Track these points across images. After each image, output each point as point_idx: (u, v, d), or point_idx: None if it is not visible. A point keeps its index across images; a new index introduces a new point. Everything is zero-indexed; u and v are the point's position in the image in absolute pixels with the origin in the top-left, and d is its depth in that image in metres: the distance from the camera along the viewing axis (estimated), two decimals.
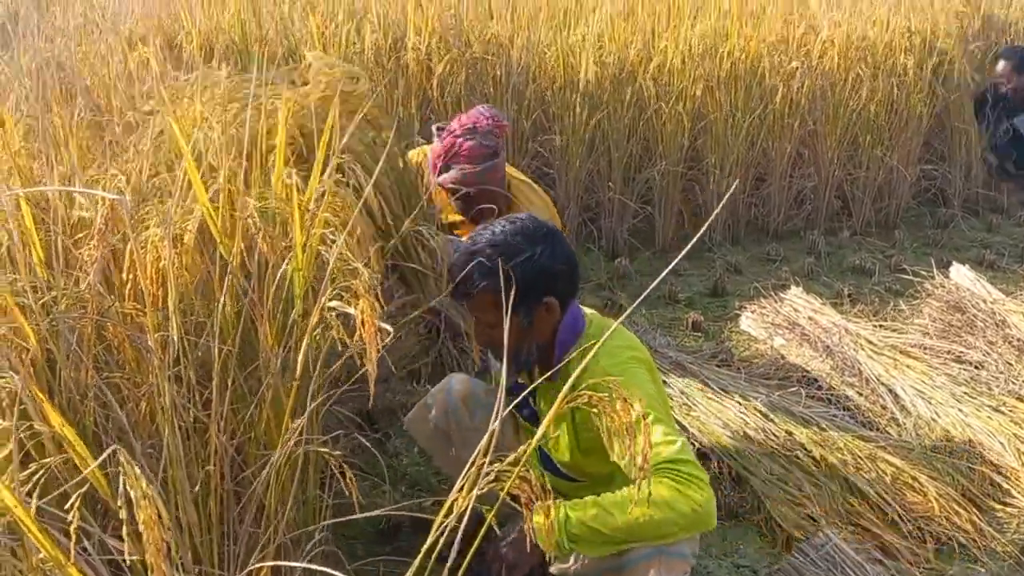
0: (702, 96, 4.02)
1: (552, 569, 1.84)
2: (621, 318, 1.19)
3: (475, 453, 1.01)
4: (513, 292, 1.63)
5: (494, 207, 2.61)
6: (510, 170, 2.88)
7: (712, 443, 2.48)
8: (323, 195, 1.43)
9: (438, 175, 2.67)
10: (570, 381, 1.05)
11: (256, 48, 3.58)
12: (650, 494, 1.43)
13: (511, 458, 1.01)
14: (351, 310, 1.26)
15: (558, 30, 4.10)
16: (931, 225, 4.65)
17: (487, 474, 1.00)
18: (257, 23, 3.64)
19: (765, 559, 2.14)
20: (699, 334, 3.35)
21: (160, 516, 0.89)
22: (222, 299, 1.43)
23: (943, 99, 4.62)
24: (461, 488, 1.00)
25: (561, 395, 1.03)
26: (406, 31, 3.76)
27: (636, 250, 4.11)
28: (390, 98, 3.75)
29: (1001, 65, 4.96)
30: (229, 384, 1.40)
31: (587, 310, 1.84)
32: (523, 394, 1.36)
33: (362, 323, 1.21)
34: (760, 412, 2.53)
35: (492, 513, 1.04)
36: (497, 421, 0.99)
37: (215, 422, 1.40)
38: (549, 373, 1.61)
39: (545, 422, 1.04)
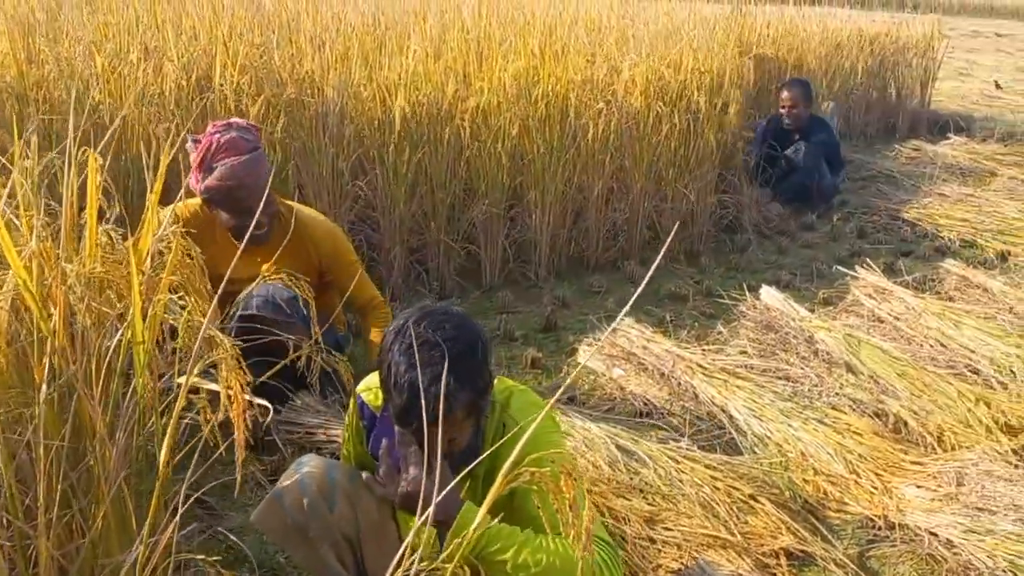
0: (519, 135, 4.07)
1: None
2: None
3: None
4: (483, 390, 1.56)
5: (266, 213, 2.59)
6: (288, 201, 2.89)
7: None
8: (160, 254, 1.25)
9: (201, 185, 2.56)
10: (514, 454, 0.99)
11: (34, 92, 3.21)
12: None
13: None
14: (215, 386, 1.10)
15: (372, 68, 4.01)
16: (731, 250, 4.98)
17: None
18: (38, 64, 3.27)
19: None
20: (539, 371, 3.35)
21: None
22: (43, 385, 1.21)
23: (731, 133, 4.99)
24: None
25: (503, 473, 0.95)
26: (211, 70, 3.52)
27: (464, 290, 4.08)
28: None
29: (785, 94, 5.46)
30: (57, 485, 1.19)
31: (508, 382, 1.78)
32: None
33: (229, 399, 1.06)
34: (616, 447, 2.54)
35: None
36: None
37: (43, 534, 1.17)
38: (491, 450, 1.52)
39: (487, 503, 0.95)
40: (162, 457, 1.11)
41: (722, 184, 5.25)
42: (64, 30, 3.84)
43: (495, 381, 1.69)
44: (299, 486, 1.73)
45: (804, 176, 5.39)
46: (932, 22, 8.85)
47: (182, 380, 1.06)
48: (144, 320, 1.20)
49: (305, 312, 1.95)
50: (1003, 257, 4.78)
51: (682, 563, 2.12)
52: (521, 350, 3.51)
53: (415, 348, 1.51)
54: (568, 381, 3.14)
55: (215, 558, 1.24)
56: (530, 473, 0.99)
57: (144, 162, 2.73)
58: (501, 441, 1.41)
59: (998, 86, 10.98)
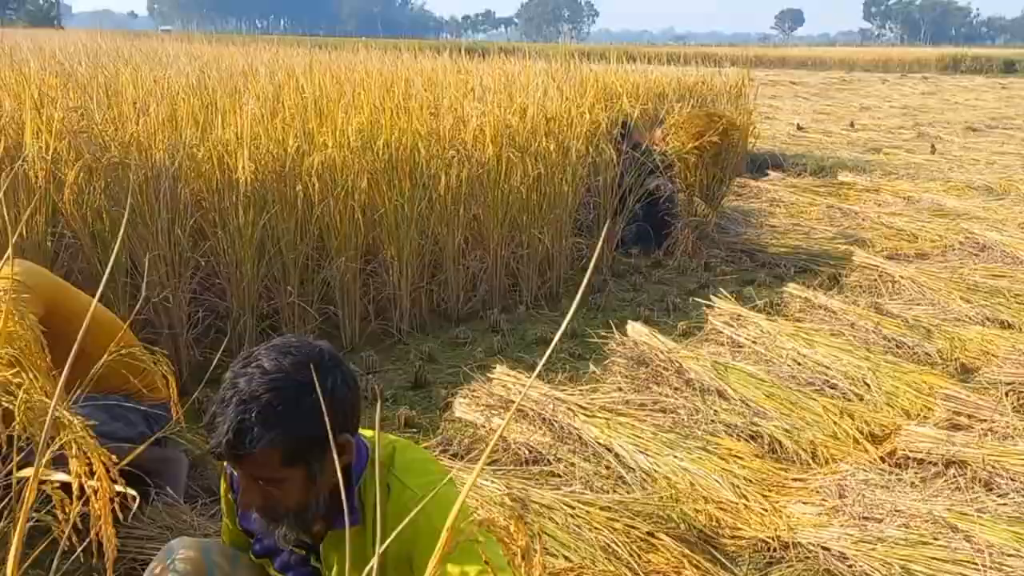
0: (369, 189, 3.95)
1: None
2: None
3: None
4: (306, 440, 1.34)
5: None
6: None
7: None
8: None
9: None
10: (404, 521, 0.84)
11: None
12: None
13: None
14: (67, 477, 0.90)
15: (204, 129, 3.78)
16: (589, 292, 5.03)
17: None
18: None
19: None
20: (414, 430, 3.18)
21: None
22: None
23: (582, 178, 5.08)
24: None
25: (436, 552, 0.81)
26: (21, 137, 3.19)
27: None
28: (7, 214, 3.13)
29: (659, 132, 5.64)
30: None
31: (364, 432, 1.59)
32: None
33: (92, 491, 0.86)
34: (510, 500, 2.42)
35: None
36: None
37: None
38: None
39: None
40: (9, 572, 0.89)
41: (576, 227, 5.33)
42: None
43: (360, 438, 1.50)
44: (172, 573, 1.50)
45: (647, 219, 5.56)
46: (740, 72, 9.55)
47: (25, 473, 0.85)
48: None
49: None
50: (834, 279, 5.09)
51: None
52: (392, 410, 3.33)
53: (237, 374, 1.33)
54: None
55: None
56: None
57: None
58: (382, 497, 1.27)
59: (799, 128, 11.96)
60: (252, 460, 1.31)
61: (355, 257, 3.94)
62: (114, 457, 1.10)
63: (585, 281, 0.91)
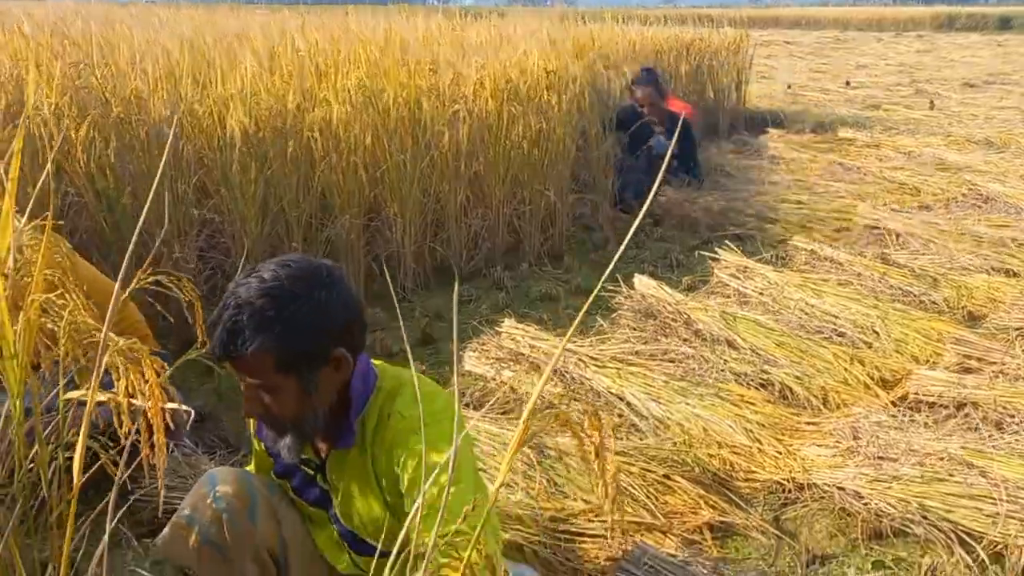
0: (372, 146, 3.91)
1: None
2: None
3: None
4: (297, 346, 1.35)
5: None
6: None
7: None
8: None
9: None
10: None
11: None
12: None
13: None
14: (115, 396, 0.88)
15: (204, 85, 3.73)
16: (592, 248, 5.01)
17: None
18: None
19: None
20: None
21: None
22: None
23: (583, 132, 5.04)
24: None
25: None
26: (22, 94, 3.14)
27: None
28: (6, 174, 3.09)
29: (640, 92, 5.58)
30: None
31: (374, 361, 1.59)
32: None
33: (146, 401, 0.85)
34: (527, 447, 2.42)
35: None
36: None
37: None
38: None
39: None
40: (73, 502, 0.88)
41: (577, 184, 5.29)
42: None
43: (370, 366, 1.53)
44: (215, 502, 1.52)
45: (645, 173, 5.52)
46: (737, 30, 9.46)
47: (74, 395, 0.84)
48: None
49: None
50: (839, 231, 5.08)
51: (621, 550, 2.03)
52: (401, 365, 3.32)
53: (238, 283, 1.38)
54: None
55: None
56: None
57: None
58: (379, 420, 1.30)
59: (793, 86, 11.86)
60: (246, 363, 1.34)
61: (358, 215, 3.91)
62: (166, 364, 1.11)
63: (630, 234, 0.90)
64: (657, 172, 5.47)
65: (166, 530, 1.55)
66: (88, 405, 0.84)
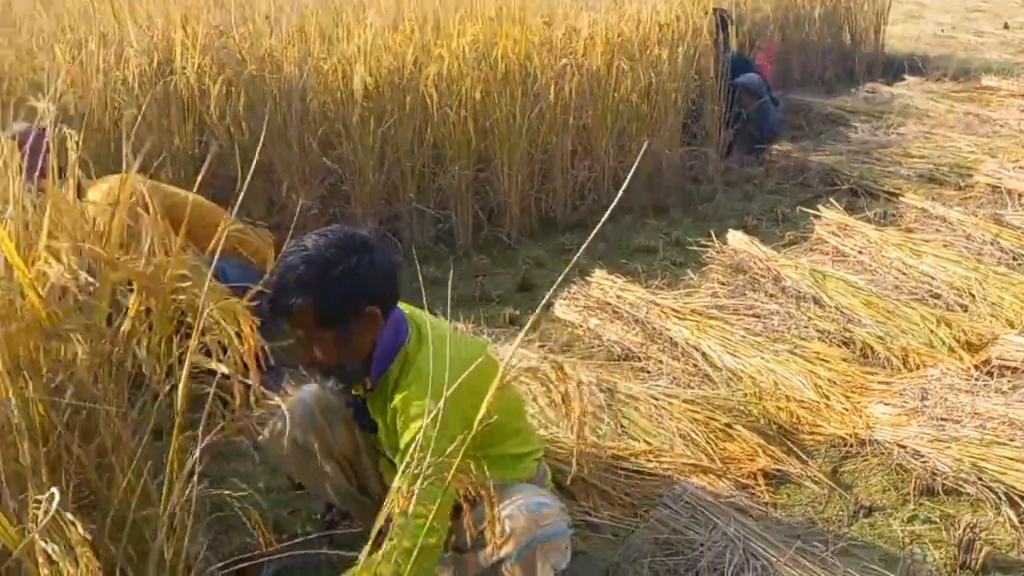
0: (482, 99, 4.12)
1: None
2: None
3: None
4: (331, 305, 1.60)
5: None
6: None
7: (550, 431, 2.56)
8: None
9: None
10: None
11: None
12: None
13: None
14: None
15: (330, 42, 4.04)
16: (699, 201, 5.07)
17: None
18: None
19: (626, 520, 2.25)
20: (517, 327, 3.43)
21: None
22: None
23: (697, 85, 5.07)
24: None
25: None
26: (172, 53, 3.54)
27: (440, 256, 4.14)
28: (160, 126, 3.52)
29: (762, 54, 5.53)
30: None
31: (415, 313, 1.82)
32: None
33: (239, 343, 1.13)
34: (600, 390, 2.64)
35: None
36: None
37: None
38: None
39: None
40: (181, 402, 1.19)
41: (687, 136, 5.33)
42: (19, 23, 3.83)
43: (408, 320, 1.77)
44: (302, 407, 1.86)
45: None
46: None
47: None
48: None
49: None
50: (957, 188, 4.91)
51: (668, 489, 2.22)
52: (499, 309, 3.59)
53: (287, 251, 1.66)
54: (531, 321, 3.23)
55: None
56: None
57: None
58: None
59: (941, 29, 11.08)
60: (292, 318, 1.63)
61: (468, 165, 4.16)
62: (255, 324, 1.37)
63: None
64: (742, 104, 5.39)
65: (266, 431, 1.91)
66: (188, 353, 1.12)
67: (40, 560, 0.94)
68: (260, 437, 1.95)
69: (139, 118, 3.37)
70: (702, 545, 1.90)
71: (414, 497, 1.41)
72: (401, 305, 1.82)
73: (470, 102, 4.05)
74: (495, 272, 4.06)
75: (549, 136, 4.46)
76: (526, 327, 1.39)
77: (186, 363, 1.32)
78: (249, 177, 1.66)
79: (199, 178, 1.76)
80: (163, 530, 1.22)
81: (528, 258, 4.17)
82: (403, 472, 1.46)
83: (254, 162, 1.64)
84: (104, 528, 1.26)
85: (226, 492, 1.55)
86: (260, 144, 3.50)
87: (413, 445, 1.43)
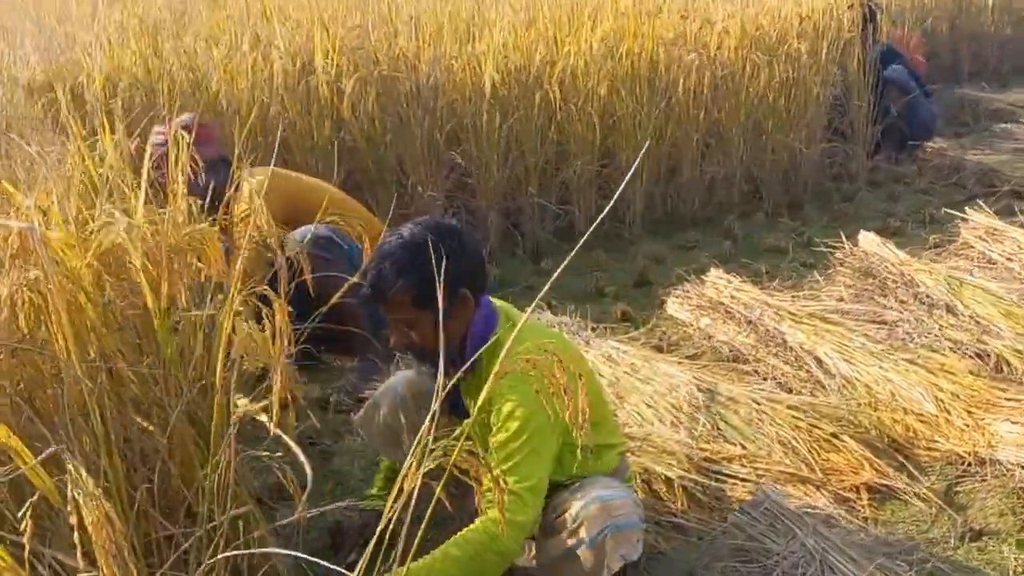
0: (607, 95, 4.13)
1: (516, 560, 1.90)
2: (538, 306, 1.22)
3: (419, 435, 1.06)
4: (427, 286, 1.68)
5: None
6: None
7: (643, 428, 2.55)
8: None
9: None
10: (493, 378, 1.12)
11: (161, 84, 3.55)
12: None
13: (456, 432, 1.05)
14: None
15: (463, 43, 4.17)
16: (838, 200, 4.85)
17: (433, 450, 1.04)
18: (159, 58, 3.61)
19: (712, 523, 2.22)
20: (628, 324, 3.43)
21: (109, 517, 0.89)
22: None
23: (842, 81, 4.84)
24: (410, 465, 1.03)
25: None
26: (313, 55, 3.77)
27: (559, 249, 4.19)
28: (302, 121, 3.76)
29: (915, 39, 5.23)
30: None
31: (503, 305, 1.88)
32: (440, 387, 1.41)
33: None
34: (698, 390, 2.61)
35: (441, 485, 1.08)
36: (436, 403, 1.05)
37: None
38: (464, 367, 1.67)
39: None
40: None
41: (829, 132, 5.11)
42: (186, 27, 4.20)
43: (496, 307, 1.83)
44: (393, 393, 1.97)
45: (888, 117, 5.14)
46: None
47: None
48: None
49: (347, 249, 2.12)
50: None
51: (751, 492, 2.18)
52: (611, 305, 3.59)
53: (384, 241, 1.74)
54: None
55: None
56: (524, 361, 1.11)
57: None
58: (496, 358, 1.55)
59: None
60: (390, 302, 1.71)
61: (591, 160, 4.18)
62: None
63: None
64: (887, 97, 5.07)
65: (362, 409, 2.07)
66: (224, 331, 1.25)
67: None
68: (355, 416, 2.08)
69: (283, 114, 3.65)
70: (778, 555, 1.85)
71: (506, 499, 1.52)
72: (492, 300, 1.90)
73: (595, 98, 4.07)
74: (613, 267, 4.06)
75: (677, 131, 4.40)
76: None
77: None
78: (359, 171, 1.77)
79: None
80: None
81: (648, 254, 4.14)
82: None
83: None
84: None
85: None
86: (389, 139, 3.70)
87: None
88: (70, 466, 0.91)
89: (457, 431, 1.07)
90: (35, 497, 0.91)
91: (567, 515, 1.75)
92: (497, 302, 1.91)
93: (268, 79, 3.68)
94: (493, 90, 3.90)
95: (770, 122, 4.62)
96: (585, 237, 1.25)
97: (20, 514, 0.86)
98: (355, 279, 1.78)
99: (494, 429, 1.71)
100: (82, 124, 2.46)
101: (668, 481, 2.33)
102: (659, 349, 3.12)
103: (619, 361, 2.85)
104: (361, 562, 1.03)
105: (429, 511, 1.10)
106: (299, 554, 1.00)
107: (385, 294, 1.71)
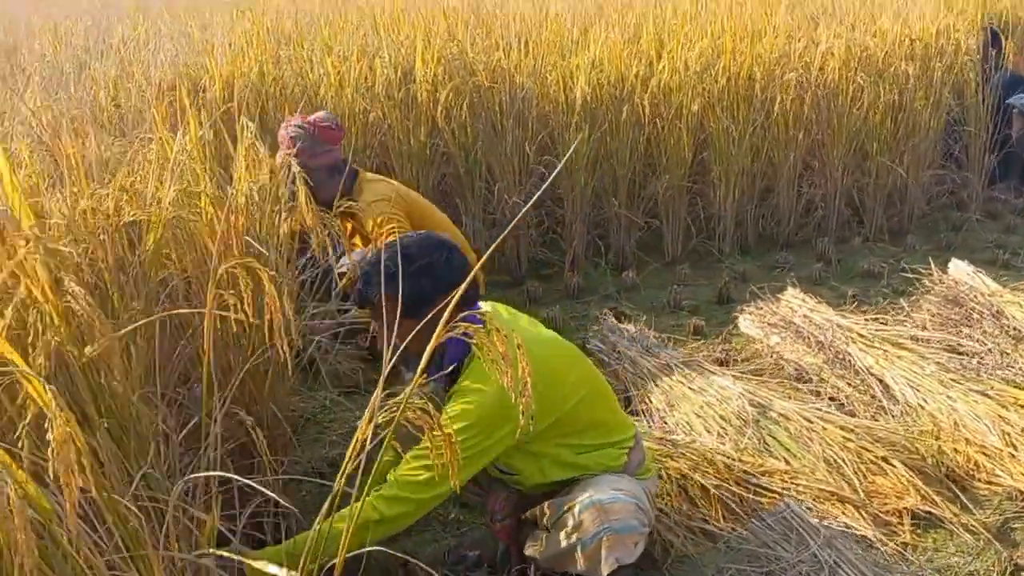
0: (701, 111, 4.14)
1: (525, 550, 1.98)
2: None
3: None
4: (412, 293, 1.77)
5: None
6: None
7: (688, 437, 2.57)
8: None
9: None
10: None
11: (272, 88, 3.85)
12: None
13: (407, 391, 1.16)
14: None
15: (560, 57, 4.29)
16: (946, 229, 4.65)
17: (384, 407, 1.15)
18: (275, 65, 3.92)
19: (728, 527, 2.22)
20: (699, 338, 3.43)
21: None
22: None
23: (957, 106, 4.66)
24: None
25: None
26: (415, 64, 3.99)
27: (643, 263, 4.22)
28: (402, 127, 3.98)
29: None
30: None
31: (504, 315, 1.95)
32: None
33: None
34: (750, 404, 2.61)
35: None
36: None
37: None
38: (441, 374, 1.79)
39: None
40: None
41: (941, 158, 4.91)
42: (305, 37, 4.52)
43: (477, 317, 1.87)
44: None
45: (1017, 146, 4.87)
46: None
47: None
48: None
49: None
50: None
51: (780, 503, 2.16)
52: (686, 318, 3.59)
53: (378, 251, 1.85)
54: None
55: None
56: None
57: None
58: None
59: None
60: (375, 307, 1.81)
61: (682, 176, 4.20)
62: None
63: None
64: (1009, 125, 4.80)
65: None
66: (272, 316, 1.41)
67: None
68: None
69: (385, 122, 3.88)
70: (787, 562, 1.84)
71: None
72: (497, 306, 2.00)
73: (688, 114, 4.09)
74: (697, 283, 4.06)
75: (774, 151, 4.36)
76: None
77: None
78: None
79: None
80: None
81: (735, 272, 4.11)
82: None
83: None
84: None
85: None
86: (480, 146, 3.86)
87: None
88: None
89: (406, 390, 1.17)
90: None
91: (570, 513, 1.84)
92: (491, 308, 1.98)
93: (370, 87, 3.91)
94: (584, 103, 3.99)
95: (875, 145, 4.49)
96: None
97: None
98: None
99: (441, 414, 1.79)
100: (199, 122, 2.76)
101: (704, 489, 2.35)
102: (722, 363, 3.12)
103: (674, 369, 2.88)
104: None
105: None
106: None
107: (371, 299, 1.82)
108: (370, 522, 1.67)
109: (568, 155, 3.98)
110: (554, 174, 1.50)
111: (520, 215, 1.48)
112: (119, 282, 1.45)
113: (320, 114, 3.17)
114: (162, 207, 1.69)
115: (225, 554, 1.15)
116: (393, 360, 1.43)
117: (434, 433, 1.18)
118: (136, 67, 4.02)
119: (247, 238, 1.72)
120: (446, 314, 1.55)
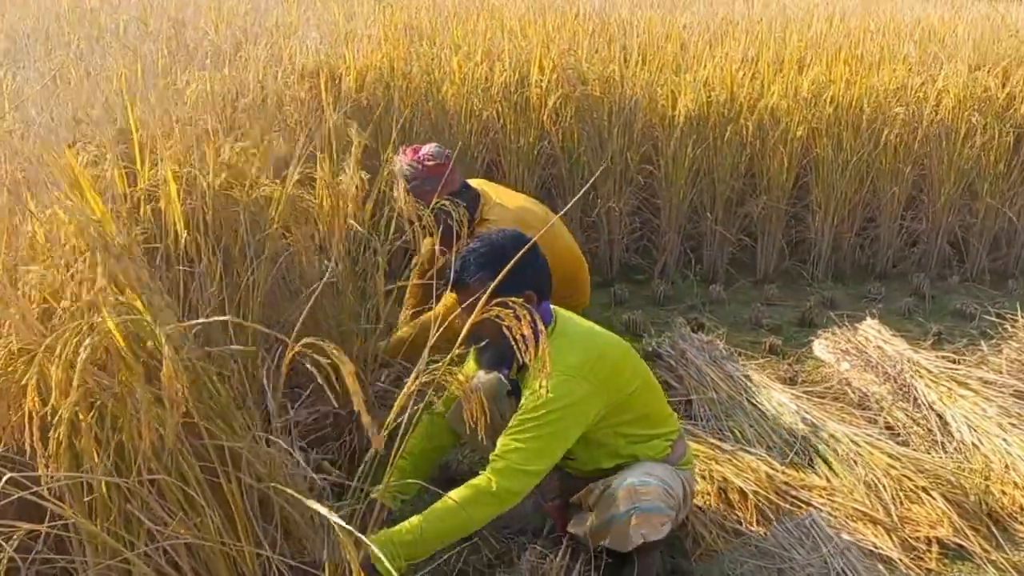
0: (806, 137, 4.22)
1: (569, 528, 2.23)
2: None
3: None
4: (502, 282, 1.99)
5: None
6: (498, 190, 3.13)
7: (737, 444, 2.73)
8: None
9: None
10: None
11: (400, 82, 4.18)
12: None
13: (447, 359, 1.42)
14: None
15: (674, 73, 4.45)
16: None
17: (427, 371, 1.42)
18: (405, 60, 4.26)
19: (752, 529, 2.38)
20: (773, 357, 3.55)
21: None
22: None
23: None
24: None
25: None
26: (531, 70, 4.25)
27: (733, 278, 4.34)
28: (514, 128, 4.25)
29: None
30: None
31: (566, 314, 2.15)
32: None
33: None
34: (803, 422, 2.74)
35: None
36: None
37: None
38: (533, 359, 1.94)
39: None
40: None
41: None
42: (436, 36, 4.86)
43: (554, 311, 2.10)
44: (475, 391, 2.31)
45: None
46: None
47: None
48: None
49: None
50: None
51: (804, 512, 2.31)
52: (765, 336, 3.71)
53: (476, 238, 2.07)
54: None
55: None
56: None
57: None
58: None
59: None
60: (467, 289, 2.01)
61: (781, 198, 4.29)
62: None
63: None
64: None
65: (454, 406, 2.28)
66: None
67: None
68: (448, 412, 2.33)
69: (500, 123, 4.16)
70: (797, 563, 2.00)
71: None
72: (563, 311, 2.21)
73: (792, 138, 4.18)
74: (783, 303, 4.15)
75: (879, 181, 4.38)
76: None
77: None
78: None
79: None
80: None
81: (823, 298, 4.18)
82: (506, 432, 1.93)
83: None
84: None
85: None
86: (583, 151, 4.08)
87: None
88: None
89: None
90: None
91: (608, 494, 2.07)
92: (563, 312, 2.17)
93: (488, 87, 4.20)
94: (687, 119, 4.15)
95: (985, 186, 4.44)
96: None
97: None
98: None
99: (522, 401, 2.01)
100: (333, 108, 3.11)
101: (743, 494, 2.51)
102: (787, 381, 3.24)
103: (736, 381, 3.03)
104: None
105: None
106: None
107: (464, 282, 2.03)
108: (485, 493, 1.90)
109: (667, 165, 4.16)
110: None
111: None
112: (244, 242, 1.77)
113: (429, 149, 2.97)
114: (285, 186, 2.01)
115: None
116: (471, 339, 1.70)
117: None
118: (285, 51, 4.45)
119: (351, 221, 2.02)
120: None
